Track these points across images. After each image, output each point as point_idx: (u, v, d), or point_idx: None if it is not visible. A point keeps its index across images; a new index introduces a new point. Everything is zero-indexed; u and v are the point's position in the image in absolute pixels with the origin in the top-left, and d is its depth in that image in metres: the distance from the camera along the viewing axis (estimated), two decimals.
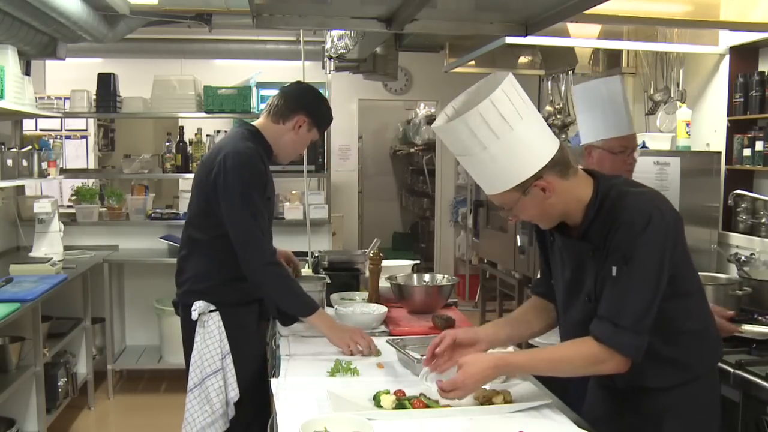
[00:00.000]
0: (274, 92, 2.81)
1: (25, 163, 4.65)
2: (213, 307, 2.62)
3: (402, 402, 1.91)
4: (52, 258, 4.52)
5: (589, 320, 1.85)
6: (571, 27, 3.58)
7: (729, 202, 3.47)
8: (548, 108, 5.14)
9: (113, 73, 5.53)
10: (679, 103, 4.05)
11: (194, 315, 2.59)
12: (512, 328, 2.15)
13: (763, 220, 3.48)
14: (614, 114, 2.65)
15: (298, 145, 2.75)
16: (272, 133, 2.70)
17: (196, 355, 2.60)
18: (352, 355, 2.42)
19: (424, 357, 2.07)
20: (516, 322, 2.17)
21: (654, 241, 1.76)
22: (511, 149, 1.76)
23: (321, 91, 5.52)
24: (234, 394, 2.61)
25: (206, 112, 5.45)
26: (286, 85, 2.84)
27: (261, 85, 5.66)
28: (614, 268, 1.78)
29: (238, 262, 2.56)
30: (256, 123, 2.74)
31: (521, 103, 1.76)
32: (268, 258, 2.55)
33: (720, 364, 2.48)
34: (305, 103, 2.70)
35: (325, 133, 5.62)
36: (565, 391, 2.12)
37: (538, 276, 2.21)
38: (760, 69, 3.61)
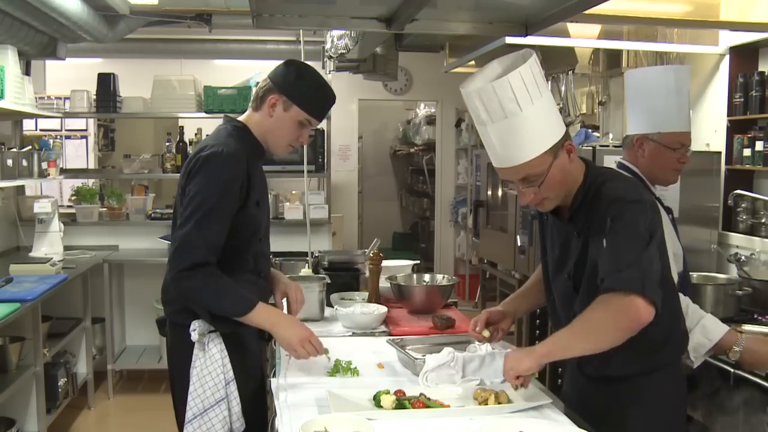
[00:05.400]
0: None
1: (25, 163, 4.65)
2: (212, 328, 2.26)
3: (402, 402, 1.91)
4: (52, 258, 4.52)
5: (569, 297, 1.99)
6: (571, 27, 3.58)
7: (729, 202, 3.47)
8: None
9: (113, 73, 5.53)
10: None
11: (194, 336, 2.23)
12: (530, 299, 2.39)
13: (763, 220, 3.48)
14: (678, 106, 2.46)
15: (281, 131, 2.31)
16: (255, 125, 2.34)
17: (196, 383, 2.26)
18: (298, 358, 2.21)
19: (425, 356, 2.15)
20: (532, 293, 2.37)
21: (636, 211, 1.86)
22: (549, 108, 1.86)
23: None
24: (240, 424, 2.29)
25: (206, 112, 5.45)
26: None
27: None
28: (604, 240, 1.84)
29: (235, 276, 2.24)
30: (242, 116, 2.40)
31: (543, 74, 1.87)
32: (197, 259, 2.14)
33: (720, 364, 2.49)
34: (275, 78, 2.29)
35: (325, 133, 5.67)
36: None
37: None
38: (760, 69, 3.61)
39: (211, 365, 2.26)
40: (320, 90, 2.31)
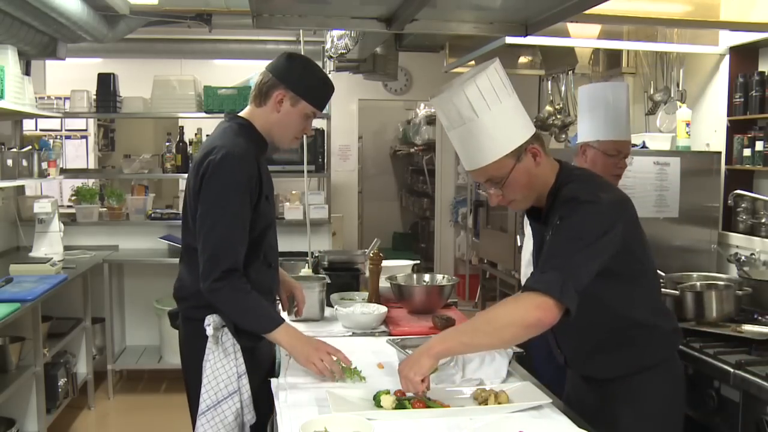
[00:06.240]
0: None
1: (25, 163, 4.65)
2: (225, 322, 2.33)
3: (402, 402, 1.91)
4: (52, 258, 4.52)
5: None
6: (571, 27, 3.58)
7: (729, 202, 3.47)
8: (548, 108, 5.14)
9: (113, 73, 5.53)
10: (679, 103, 4.05)
11: (209, 330, 2.27)
12: None
13: (763, 220, 3.48)
14: (615, 118, 2.73)
15: (288, 126, 2.36)
16: (260, 120, 2.38)
17: (210, 375, 2.30)
18: (321, 374, 2.20)
19: None
20: None
21: (587, 211, 1.86)
22: (509, 114, 1.91)
23: None
24: (251, 416, 2.34)
25: (206, 112, 5.45)
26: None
27: None
28: (548, 237, 1.91)
29: (249, 268, 2.30)
30: (243, 112, 2.44)
31: (508, 82, 1.93)
32: (226, 267, 2.20)
33: (720, 364, 2.49)
34: (280, 75, 2.32)
35: (325, 133, 5.67)
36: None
37: None
38: (760, 69, 3.61)
39: (225, 358, 2.30)
40: (325, 83, 2.38)
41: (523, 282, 2.93)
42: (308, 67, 2.35)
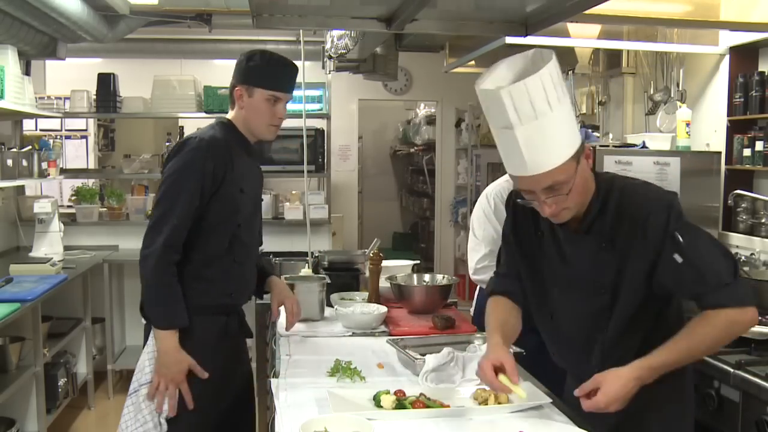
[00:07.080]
0: None
1: (25, 163, 4.65)
2: None
3: (402, 402, 1.91)
4: (52, 258, 4.52)
5: (602, 312, 1.88)
6: (571, 27, 3.57)
7: (729, 202, 3.47)
8: None
9: (113, 73, 5.54)
10: (679, 103, 4.05)
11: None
12: (508, 338, 2.04)
13: (763, 220, 3.48)
14: None
15: (255, 115, 2.43)
16: (236, 120, 2.48)
17: (141, 361, 2.36)
18: (151, 396, 2.31)
19: (425, 356, 2.16)
20: (509, 331, 2.07)
21: (681, 211, 1.83)
22: (570, 112, 1.75)
23: (320, 90, 5.60)
24: (165, 407, 2.32)
25: (206, 112, 5.45)
26: None
27: None
28: (676, 256, 1.78)
29: (199, 261, 2.37)
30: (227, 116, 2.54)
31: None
32: (165, 241, 2.29)
33: (720, 364, 2.49)
34: (233, 76, 2.47)
35: (325, 133, 5.67)
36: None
37: (499, 276, 2.18)
38: (760, 69, 3.61)
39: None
40: (271, 64, 2.43)
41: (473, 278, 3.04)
42: (251, 57, 2.43)
